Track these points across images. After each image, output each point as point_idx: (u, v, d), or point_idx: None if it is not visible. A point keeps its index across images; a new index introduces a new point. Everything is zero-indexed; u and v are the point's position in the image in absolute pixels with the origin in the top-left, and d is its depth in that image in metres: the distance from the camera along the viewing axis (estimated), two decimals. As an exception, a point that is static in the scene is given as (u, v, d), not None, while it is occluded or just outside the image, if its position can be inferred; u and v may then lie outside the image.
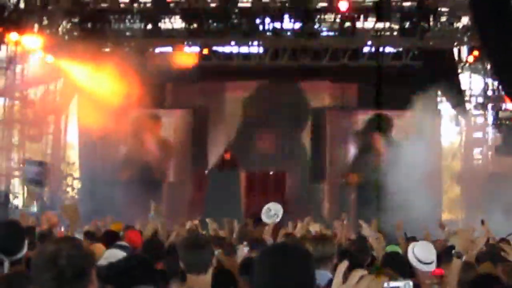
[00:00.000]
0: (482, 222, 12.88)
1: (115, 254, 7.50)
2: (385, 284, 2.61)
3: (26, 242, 5.63)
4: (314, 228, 10.63)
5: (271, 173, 26.26)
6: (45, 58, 26.54)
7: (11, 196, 26.48)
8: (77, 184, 29.38)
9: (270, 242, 10.37)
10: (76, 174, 29.55)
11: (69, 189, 29.55)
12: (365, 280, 2.63)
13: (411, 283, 2.62)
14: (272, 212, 11.71)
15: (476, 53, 26.09)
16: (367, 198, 24.81)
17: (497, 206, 22.02)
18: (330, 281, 6.45)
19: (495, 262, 7.47)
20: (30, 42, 25.43)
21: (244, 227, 13.98)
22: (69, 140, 29.83)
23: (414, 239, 11.35)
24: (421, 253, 7.27)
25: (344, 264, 2.74)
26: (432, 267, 7.21)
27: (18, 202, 27.01)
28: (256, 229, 13.28)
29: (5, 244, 5.44)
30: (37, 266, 3.91)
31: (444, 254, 9.34)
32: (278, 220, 11.98)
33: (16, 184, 27.33)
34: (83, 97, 27.92)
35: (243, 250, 10.05)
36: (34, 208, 27.30)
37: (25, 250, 5.56)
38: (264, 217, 11.93)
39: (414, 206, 21.03)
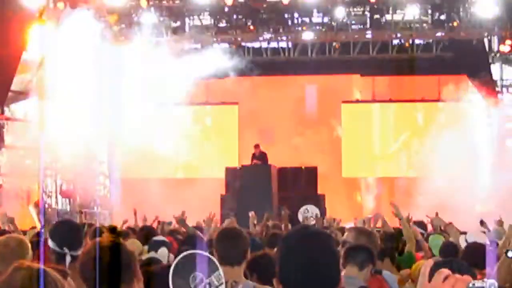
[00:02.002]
0: None
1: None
2: (470, 284, 2.61)
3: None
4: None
5: (302, 167, 26.16)
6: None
7: (44, 196, 26.63)
8: (108, 182, 29.52)
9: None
10: (107, 172, 29.66)
11: (100, 187, 29.67)
12: (450, 280, 2.63)
13: (496, 284, 2.61)
14: (309, 213, 11.68)
15: (508, 42, 25.85)
16: (402, 190, 24.75)
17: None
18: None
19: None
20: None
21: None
22: (100, 139, 29.89)
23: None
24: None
25: (430, 263, 2.73)
26: None
27: (51, 201, 27.14)
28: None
29: (69, 239, 5.70)
30: (83, 262, 4.13)
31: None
32: (313, 222, 11.91)
33: (49, 183, 27.44)
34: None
35: None
36: (67, 207, 27.48)
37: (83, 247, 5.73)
38: (300, 216, 11.90)
39: (451, 198, 20.96)
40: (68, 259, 5.58)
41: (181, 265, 4.19)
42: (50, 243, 5.67)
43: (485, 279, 2.62)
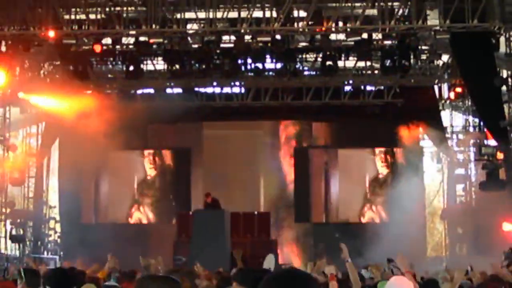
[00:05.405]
0: (471, 268, 12.77)
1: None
2: None
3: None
4: (330, 270, 10.48)
5: (255, 213, 26.14)
6: (26, 101, 26.39)
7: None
8: (59, 228, 29.15)
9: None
10: (58, 217, 29.29)
11: (51, 232, 29.31)
12: None
13: None
14: (265, 265, 11.66)
15: (457, 90, 26.22)
16: (351, 237, 24.75)
17: (481, 242, 22.06)
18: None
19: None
20: (11, 86, 25.27)
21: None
22: (51, 183, 29.62)
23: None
24: None
25: None
26: None
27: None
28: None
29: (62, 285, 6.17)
30: None
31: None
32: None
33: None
34: (64, 140, 27.81)
35: None
36: (17, 253, 27.05)
37: None
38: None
39: (399, 244, 21.00)
40: None
41: None
42: None
43: None
